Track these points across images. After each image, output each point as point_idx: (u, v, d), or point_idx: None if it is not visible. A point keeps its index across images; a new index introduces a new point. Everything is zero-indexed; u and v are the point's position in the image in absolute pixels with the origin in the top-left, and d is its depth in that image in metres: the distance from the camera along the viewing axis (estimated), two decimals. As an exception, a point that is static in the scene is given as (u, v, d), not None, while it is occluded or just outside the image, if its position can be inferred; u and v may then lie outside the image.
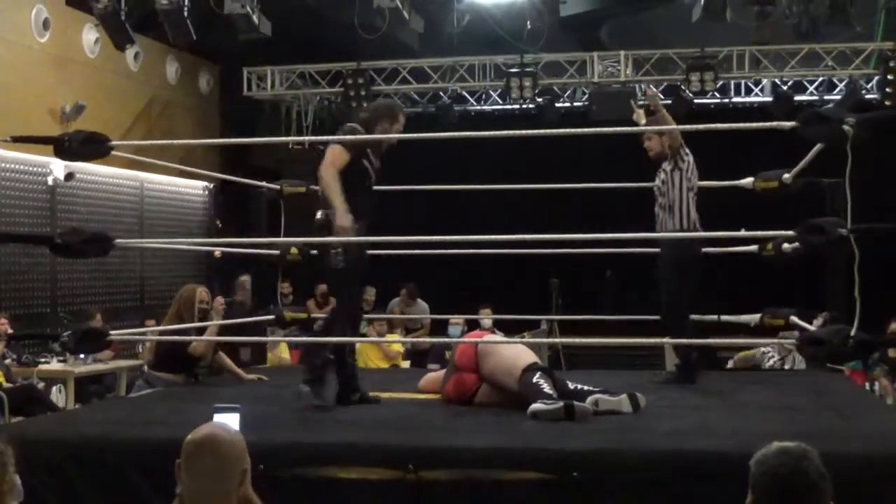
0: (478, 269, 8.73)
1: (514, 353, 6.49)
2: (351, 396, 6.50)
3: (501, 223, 7.83)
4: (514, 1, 13.03)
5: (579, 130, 6.64)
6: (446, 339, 6.96)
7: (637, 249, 7.93)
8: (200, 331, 7.90)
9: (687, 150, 7.31)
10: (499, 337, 7.11)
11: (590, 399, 6.01)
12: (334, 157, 6.41)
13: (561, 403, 5.82)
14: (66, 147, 6.05)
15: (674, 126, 7.04)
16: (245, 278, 12.13)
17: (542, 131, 6.58)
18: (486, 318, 10.56)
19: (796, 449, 3.10)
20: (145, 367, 8.61)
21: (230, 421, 3.28)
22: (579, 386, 6.24)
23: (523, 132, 6.58)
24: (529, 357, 6.43)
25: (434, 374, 7.14)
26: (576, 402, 5.84)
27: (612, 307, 11.48)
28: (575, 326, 10.48)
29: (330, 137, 6.91)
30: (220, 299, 8.28)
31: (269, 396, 6.89)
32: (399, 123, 6.59)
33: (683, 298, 7.32)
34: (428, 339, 6.97)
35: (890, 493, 4.57)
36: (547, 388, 6.03)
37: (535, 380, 6.10)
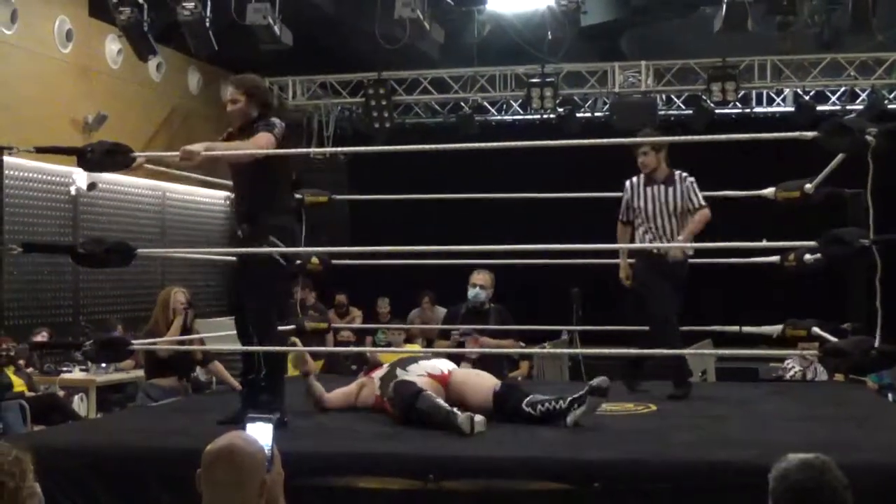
0: (498, 279, 8.72)
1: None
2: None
3: (522, 232, 7.81)
4: (535, 11, 13.02)
5: (590, 141, 6.62)
6: (461, 350, 6.95)
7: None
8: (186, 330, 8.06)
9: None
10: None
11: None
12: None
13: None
14: (89, 158, 6.08)
15: (700, 137, 7.05)
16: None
17: (553, 143, 6.58)
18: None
19: (816, 461, 3.09)
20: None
21: (263, 430, 3.28)
22: (546, 406, 6.05)
23: (531, 143, 6.58)
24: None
25: (344, 389, 6.91)
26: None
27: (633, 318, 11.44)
28: (596, 336, 10.47)
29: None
30: (180, 299, 8.31)
31: (291, 406, 6.88)
32: None
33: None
34: (444, 350, 7.03)
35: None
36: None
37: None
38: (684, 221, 7.40)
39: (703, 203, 7.37)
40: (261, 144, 6.02)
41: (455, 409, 5.84)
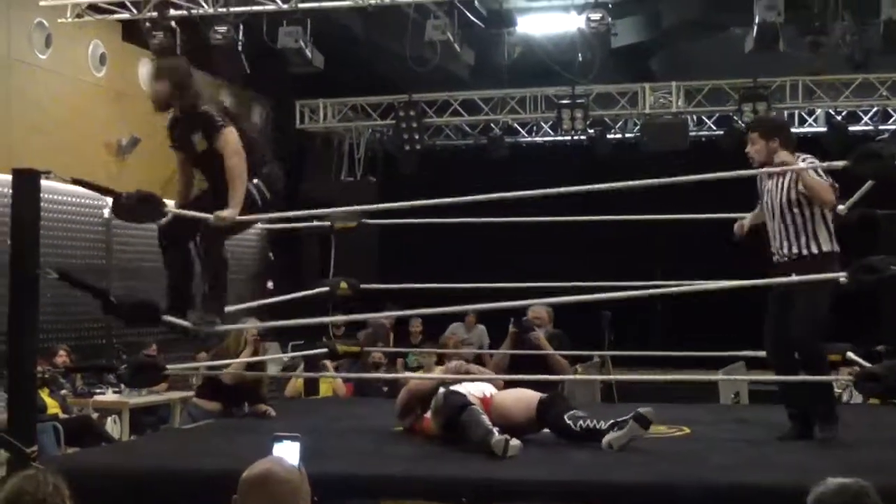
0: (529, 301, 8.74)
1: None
2: None
3: (554, 253, 7.79)
4: (565, 32, 13.03)
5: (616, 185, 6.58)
6: (496, 376, 6.95)
7: (692, 285, 7.86)
8: (252, 362, 7.99)
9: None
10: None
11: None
12: None
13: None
14: (123, 204, 6.13)
15: (734, 173, 6.64)
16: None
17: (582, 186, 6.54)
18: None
19: (854, 485, 3.07)
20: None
21: (290, 450, 3.30)
22: (587, 423, 6.07)
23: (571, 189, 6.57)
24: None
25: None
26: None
27: (662, 340, 11.42)
28: (627, 359, 10.45)
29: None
30: (252, 330, 8.30)
31: (323, 428, 6.90)
32: None
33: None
34: (486, 377, 6.98)
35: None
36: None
37: None
38: (808, 217, 6.07)
39: (823, 177, 5.99)
40: (235, 147, 6.21)
41: (495, 430, 5.84)
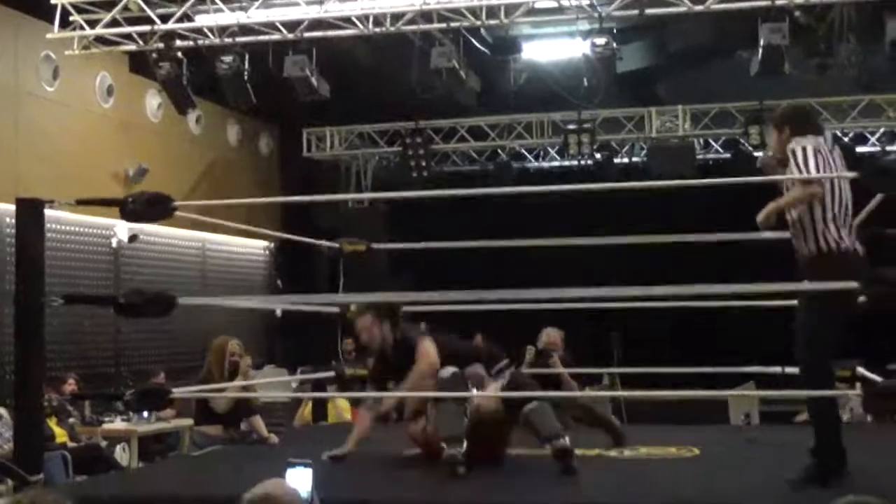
0: (534, 325, 8.75)
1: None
2: None
3: (561, 276, 7.73)
4: (571, 58, 13.04)
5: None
6: (513, 394, 6.94)
7: (706, 303, 7.84)
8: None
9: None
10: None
11: None
12: None
13: None
14: (131, 209, 6.12)
15: (735, 179, 6.61)
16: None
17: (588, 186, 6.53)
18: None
19: (873, 502, 3.05)
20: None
21: (303, 476, 3.28)
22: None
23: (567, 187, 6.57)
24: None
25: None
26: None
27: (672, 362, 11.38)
28: (637, 379, 10.41)
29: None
30: (247, 359, 8.34)
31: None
32: None
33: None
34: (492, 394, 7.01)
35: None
36: None
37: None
38: (807, 214, 5.45)
39: (809, 174, 5.34)
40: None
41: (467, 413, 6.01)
